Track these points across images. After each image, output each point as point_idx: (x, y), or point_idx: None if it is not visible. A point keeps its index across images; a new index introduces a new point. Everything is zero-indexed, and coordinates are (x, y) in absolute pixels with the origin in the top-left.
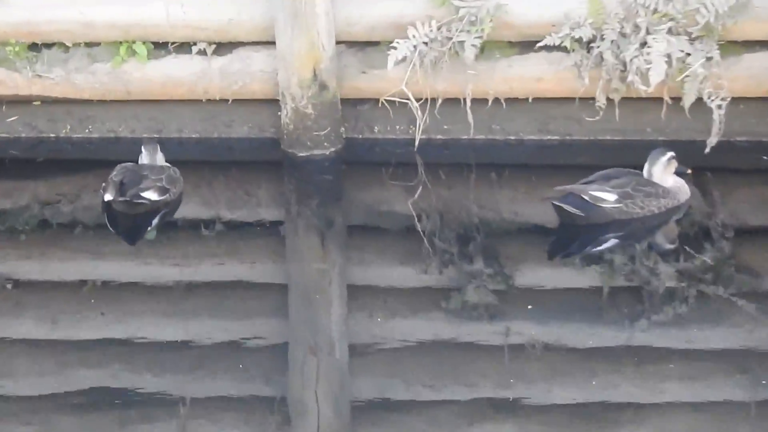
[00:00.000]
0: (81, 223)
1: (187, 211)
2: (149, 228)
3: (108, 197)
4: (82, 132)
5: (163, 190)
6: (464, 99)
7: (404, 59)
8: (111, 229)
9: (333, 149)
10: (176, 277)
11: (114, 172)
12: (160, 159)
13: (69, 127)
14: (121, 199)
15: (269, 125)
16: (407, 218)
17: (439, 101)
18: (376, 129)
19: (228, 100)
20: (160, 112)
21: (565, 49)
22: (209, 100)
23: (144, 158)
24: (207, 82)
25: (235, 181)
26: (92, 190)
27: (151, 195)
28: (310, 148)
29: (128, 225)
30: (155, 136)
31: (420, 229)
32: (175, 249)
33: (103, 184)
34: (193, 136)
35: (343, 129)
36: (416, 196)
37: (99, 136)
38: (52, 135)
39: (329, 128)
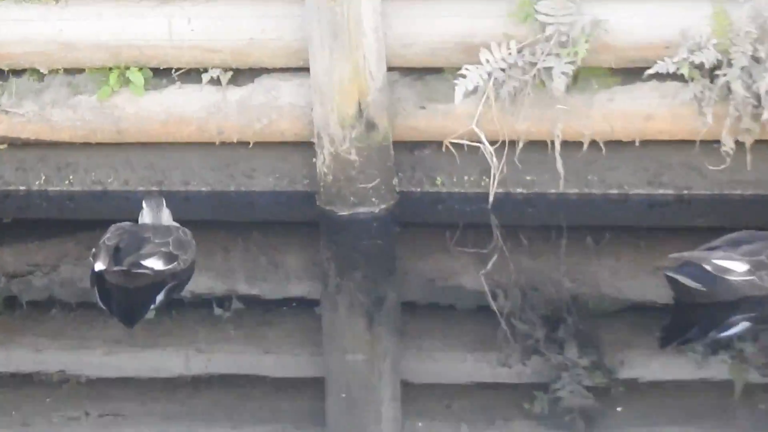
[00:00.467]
0: (60, 301)
1: (197, 284)
2: (151, 306)
3: (99, 266)
4: (61, 184)
5: (169, 257)
6: (552, 142)
7: (475, 90)
8: (102, 307)
9: (383, 206)
10: (182, 369)
11: (107, 235)
12: (166, 217)
13: (44, 177)
14: (116, 268)
15: (301, 175)
16: (479, 295)
17: (520, 144)
18: (438, 180)
19: (248, 143)
20: (160, 158)
21: (681, 78)
22: (224, 142)
23: (145, 216)
24: (221, 119)
25: (258, 246)
26: (75, 258)
27: (155, 263)
28: (354, 205)
29: (125, 302)
30: (154, 189)
31: (496, 309)
32: (182, 333)
33: (93, 250)
34: (203, 189)
35: (396, 180)
36: (490, 266)
37: (82, 189)
38: (22, 188)
39: (378, 179)
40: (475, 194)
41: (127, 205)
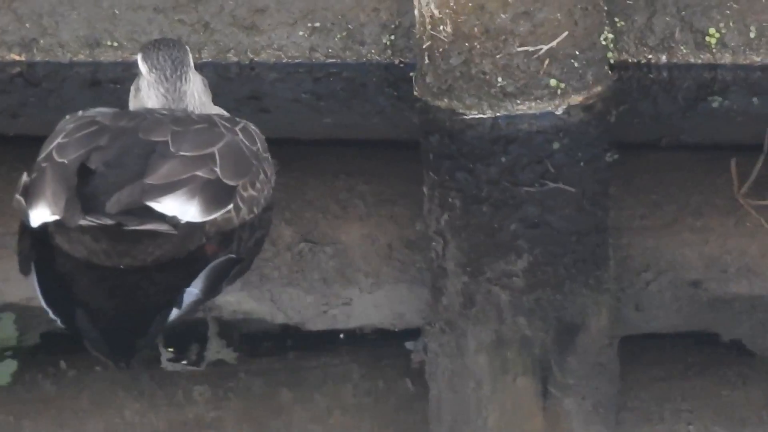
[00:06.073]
0: None
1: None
2: (173, 316)
3: (44, 216)
4: None
5: (217, 192)
6: None
7: None
8: (52, 317)
9: (579, 99)
10: None
11: (60, 137)
12: (198, 92)
13: None
14: (89, 220)
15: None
16: None
17: None
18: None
19: None
20: None
21: None
22: None
23: (147, 93)
24: None
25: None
26: None
27: (182, 206)
28: (509, 98)
29: (109, 306)
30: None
31: None
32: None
33: (23, 178)
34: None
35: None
36: None
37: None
38: None
39: (566, 32)
40: None
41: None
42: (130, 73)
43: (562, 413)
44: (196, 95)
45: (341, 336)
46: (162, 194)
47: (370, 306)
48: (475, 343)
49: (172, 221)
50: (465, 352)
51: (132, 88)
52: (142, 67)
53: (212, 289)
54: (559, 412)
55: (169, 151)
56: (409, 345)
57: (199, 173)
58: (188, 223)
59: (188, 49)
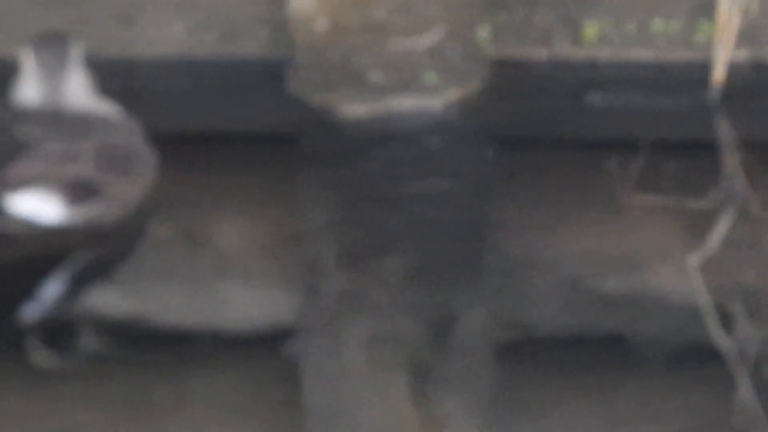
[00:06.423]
0: None
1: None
2: (28, 316)
3: None
4: None
5: (80, 189)
6: None
7: None
8: None
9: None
10: None
11: None
12: (78, 87)
13: None
14: None
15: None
16: None
17: None
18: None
19: None
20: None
21: None
22: None
23: (28, 85)
24: None
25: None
26: None
27: (41, 204)
28: (392, 92)
29: None
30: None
31: None
32: (116, 399)
33: None
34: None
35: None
36: None
37: None
38: None
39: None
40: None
41: None
42: (6, 67)
43: (438, 414)
44: (77, 91)
45: (210, 337)
46: (16, 192)
47: (246, 304)
48: (352, 343)
49: (24, 221)
50: (341, 352)
51: (17, 82)
52: (26, 60)
53: (78, 288)
54: (435, 412)
55: (35, 148)
56: (285, 349)
57: (63, 170)
58: (47, 223)
59: (76, 44)
